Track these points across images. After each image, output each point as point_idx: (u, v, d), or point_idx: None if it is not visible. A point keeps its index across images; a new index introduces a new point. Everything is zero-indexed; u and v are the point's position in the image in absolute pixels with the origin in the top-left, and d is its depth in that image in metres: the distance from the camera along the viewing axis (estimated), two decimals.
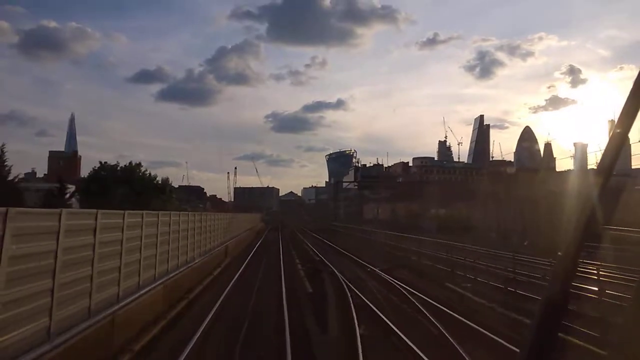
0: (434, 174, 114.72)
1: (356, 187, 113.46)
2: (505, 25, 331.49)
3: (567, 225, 1.82)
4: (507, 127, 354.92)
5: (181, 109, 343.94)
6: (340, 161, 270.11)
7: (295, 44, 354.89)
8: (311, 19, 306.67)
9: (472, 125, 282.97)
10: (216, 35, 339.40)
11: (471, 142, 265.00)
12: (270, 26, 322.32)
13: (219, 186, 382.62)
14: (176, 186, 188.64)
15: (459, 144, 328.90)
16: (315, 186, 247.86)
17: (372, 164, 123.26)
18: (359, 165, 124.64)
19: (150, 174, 42.73)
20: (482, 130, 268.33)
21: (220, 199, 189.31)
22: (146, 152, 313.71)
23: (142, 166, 42.34)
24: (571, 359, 2.05)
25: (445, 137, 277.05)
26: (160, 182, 43.59)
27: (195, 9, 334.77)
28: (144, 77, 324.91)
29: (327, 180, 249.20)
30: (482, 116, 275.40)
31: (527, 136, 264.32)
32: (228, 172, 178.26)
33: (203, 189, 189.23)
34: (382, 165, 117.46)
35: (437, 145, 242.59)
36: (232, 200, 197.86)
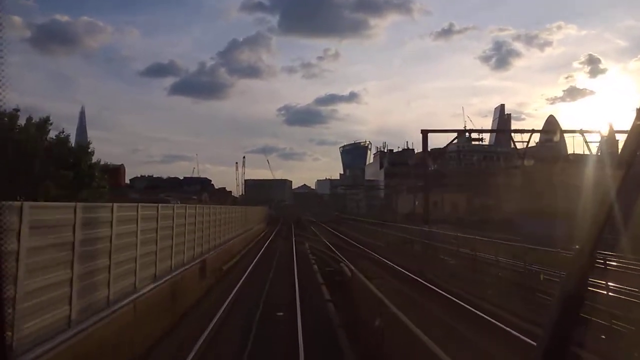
0: (474, 159, 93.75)
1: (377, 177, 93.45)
2: (523, 14, 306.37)
3: (585, 218, 1.71)
4: (523, 119, 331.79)
5: (194, 103, 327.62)
6: (354, 153, 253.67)
7: (307, 36, 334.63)
8: (323, 9, 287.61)
9: (486, 118, 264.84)
10: (227, 27, 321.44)
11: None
12: (282, 18, 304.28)
13: (231, 179, 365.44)
14: (181, 178, 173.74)
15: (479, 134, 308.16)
16: (329, 178, 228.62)
17: (400, 149, 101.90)
18: (385, 150, 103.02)
19: (64, 135, 23.20)
20: (503, 120, 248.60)
21: (230, 192, 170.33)
22: (159, 146, 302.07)
23: (50, 122, 22.84)
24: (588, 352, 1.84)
25: (465, 127, 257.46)
26: (74, 148, 23.55)
27: (206, 0, 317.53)
28: (157, 70, 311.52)
29: (342, 172, 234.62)
30: (502, 105, 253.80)
31: (552, 125, 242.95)
32: (237, 162, 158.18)
33: (210, 180, 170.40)
34: (413, 150, 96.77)
35: (453, 137, 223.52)
36: (243, 193, 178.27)
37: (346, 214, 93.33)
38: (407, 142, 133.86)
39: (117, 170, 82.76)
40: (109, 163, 35.76)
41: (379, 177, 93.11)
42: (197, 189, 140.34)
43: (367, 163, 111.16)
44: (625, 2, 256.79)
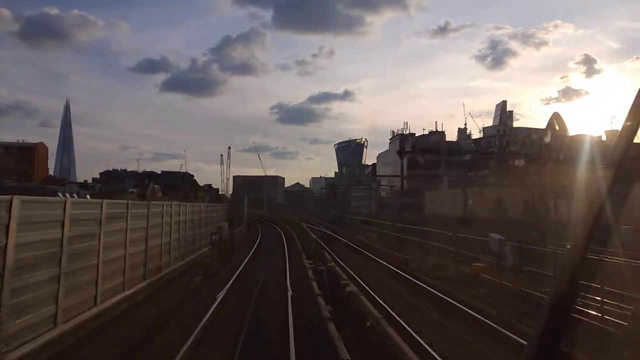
0: (516, 146, 70.54)
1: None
2: (520, 11, 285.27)
3: (576, 218, 1.68)
4: (517, 119, 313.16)
5: (186, 100, 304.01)
6: (350, 150, 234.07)
7: (301, 32, 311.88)
8: (318, 4, 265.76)
9: (480, 117, 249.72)
10: (220, 23, 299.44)
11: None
12: (276, 13, 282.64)
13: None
14: (159, 172, 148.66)
15: (480, 132, 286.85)
16: (324, 176, 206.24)
17: (426, 131, 76.65)
18: (406, 132, 76.74)
19: None
20: (505, 117, 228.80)
21: (217, 189, 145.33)
22: (151, 143, 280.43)
23: None
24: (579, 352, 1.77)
25: (465, 124, 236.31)
26: None
27: None
28: (148, 66, 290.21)
29: (337, 170, 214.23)
30: (504, 102, 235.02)
31: (558, 122, 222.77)
32: (221, 155, 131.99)
33: (192, 175, 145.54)
34: (444, 132, 72.32)
35: (450, 136, 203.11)
36: (231, 190, 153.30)
37: (351, 215, 69.08)
38: (435, 122, 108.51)
39: (28, 153, 57.22)
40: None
41: (397, 169, 69.07)
42: (177, 184, 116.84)
43: (384, 152, 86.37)
44: (619, 2, 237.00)
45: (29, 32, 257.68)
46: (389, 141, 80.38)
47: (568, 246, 1.67)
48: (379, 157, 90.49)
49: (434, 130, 71.99)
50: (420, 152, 65.70)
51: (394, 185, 61.67)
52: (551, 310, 1.63)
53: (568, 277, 1.63)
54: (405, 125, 75.45)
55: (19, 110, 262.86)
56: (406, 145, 67.11)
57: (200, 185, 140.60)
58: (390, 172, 70.39)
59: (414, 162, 64.39)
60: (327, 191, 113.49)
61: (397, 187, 65.81)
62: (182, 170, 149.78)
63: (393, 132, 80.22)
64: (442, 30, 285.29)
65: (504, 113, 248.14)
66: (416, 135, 74.08)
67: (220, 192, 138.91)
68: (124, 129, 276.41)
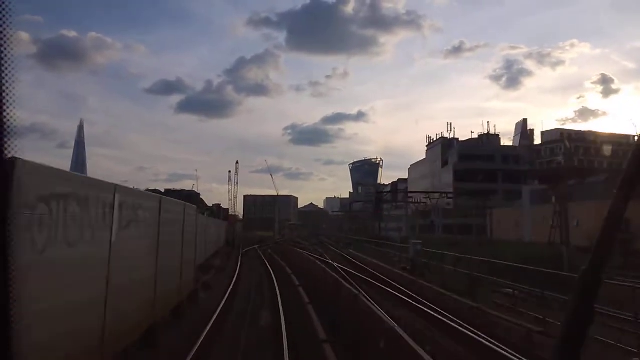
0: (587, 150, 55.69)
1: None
2: (536, 31, 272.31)
3: (592, 238, 1.65)
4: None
5: (200, 121, 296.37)
6: (365, 170, 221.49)
7: (315, 53, 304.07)
8: (332, 25, 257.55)
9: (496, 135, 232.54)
10: (235, 45, 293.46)
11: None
12: (290, 34, 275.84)
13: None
14: (162, 190, 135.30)
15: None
16: (338, 197, 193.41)
17: (475, 134, 59.88)
18: (449, 136, 59.63)
19: None
20: (525, 136, 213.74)
21: (227, 209, 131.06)
22: (166, 164, 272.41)
23: None
24: None
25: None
26: None
27: (214, 18, 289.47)
28: (163, 88, 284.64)
29: (351, 191, 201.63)
30: (525, 120, 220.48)
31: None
32: (229, 171, 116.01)
33: (199, 194, 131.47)
34: (497, 135, 57.39)
35: None
36: (239, 210, 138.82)
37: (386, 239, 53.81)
38: (487, 122, 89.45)
39: None
40: None
41: (438, 181, 54.20)
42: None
43: (411, 163, 71.69)
44: (633, 24, 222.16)
45: (46, 55, 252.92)
46: (425, 148, 65.34)
47: (582, 267, 1.54)
48: (412, 168, 74.95)
49: (486, 132, 56.85)
50: (469, 159, 50.74)
51: (449, 199, 46.25)
52: (567, 332, 1.56)
53: (583, 298, 1.56)
54: (449, 127, 60.15)
55: (37, 132, 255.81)
56: (450, 152, 52.39)
57: (209, 205, 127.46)
58: (429, 186, 55.56)
59: (462, 173, 49.42)
60: (343, 214, 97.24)
61: (439, 203, 51.14)
62: (192, 190, 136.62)
63: (430, 138, 64.66)
64: (457, 50, 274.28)
65: (524, 132, 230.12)
66: (459, 139, 58.78)
67: (230, 212, 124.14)
68: (140, 150, 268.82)
